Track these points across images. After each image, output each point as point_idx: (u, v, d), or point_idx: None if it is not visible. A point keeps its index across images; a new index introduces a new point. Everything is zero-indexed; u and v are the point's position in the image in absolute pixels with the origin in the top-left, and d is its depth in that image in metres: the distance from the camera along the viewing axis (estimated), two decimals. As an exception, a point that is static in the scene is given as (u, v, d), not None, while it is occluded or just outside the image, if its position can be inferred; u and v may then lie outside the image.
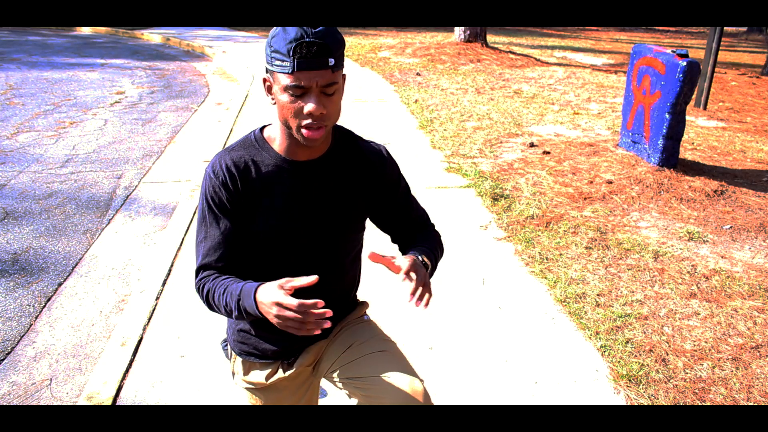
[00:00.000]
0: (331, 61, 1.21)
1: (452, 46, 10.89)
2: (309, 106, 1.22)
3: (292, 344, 1.52)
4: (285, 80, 1.22)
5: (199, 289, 1.40)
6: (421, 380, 1.42)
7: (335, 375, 1.52)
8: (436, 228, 1.66)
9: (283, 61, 1.20)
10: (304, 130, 1.26)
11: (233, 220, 1.37)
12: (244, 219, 1.38)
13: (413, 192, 1.76)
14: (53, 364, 2.62)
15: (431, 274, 1.45)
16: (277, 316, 1.19)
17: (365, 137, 1.56)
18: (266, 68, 1.29)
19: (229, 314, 1.33)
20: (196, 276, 1.42)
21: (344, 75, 1.33)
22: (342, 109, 1.37)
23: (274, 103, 1.29)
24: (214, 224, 1.38)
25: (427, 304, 1.30)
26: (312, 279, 1.20)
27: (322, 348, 1.58)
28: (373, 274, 2.85)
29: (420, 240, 1.56)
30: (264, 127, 1.44)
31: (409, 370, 1.43)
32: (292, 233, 1.40)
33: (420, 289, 1.29)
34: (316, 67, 1.20)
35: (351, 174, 1.45)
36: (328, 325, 1.18)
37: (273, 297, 1.20)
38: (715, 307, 2.97)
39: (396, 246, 1.65)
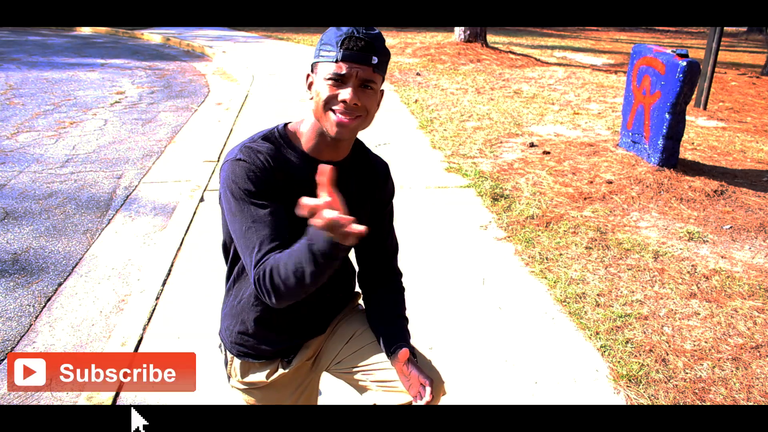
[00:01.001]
0: (375, 59, 1.26)
1: (452, 46, 10.90)
2: (345, 94, 1.26)
3: (291, 342, 1.53)
4: (328, 69, 1.27)
5: (262, 277, 1.25)
6: (429, 360, 1.49)
7: (341, 367, 1.54)
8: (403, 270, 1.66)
9: (329, 51, 1.26)
10: (333, 116, 1.28)
11: (275, 200, 1.31)
12: None
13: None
14: (53, 364, 2.62)
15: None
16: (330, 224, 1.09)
17: (366, 139, 1.57)
18: (311, 65, 1.33)
19: (300, 278, 1.20)
20: (255, 266, 1.27)
21: (383, 91, 1.37)
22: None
23: (311, 98, 1.32)
24: (261, 205, 1.29)
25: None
26: (326, 168, 1.12)
27: (321, 343, 1.60)
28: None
29: (397, 309, 1.57)
30: (287, 123, 1.44)
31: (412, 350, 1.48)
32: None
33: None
34: (360, 60, 1.25)
35: (363, 180, 1.48)
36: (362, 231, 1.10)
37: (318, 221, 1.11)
38: (715, 307, 2.97)
39: (357, 267, 1.64)
